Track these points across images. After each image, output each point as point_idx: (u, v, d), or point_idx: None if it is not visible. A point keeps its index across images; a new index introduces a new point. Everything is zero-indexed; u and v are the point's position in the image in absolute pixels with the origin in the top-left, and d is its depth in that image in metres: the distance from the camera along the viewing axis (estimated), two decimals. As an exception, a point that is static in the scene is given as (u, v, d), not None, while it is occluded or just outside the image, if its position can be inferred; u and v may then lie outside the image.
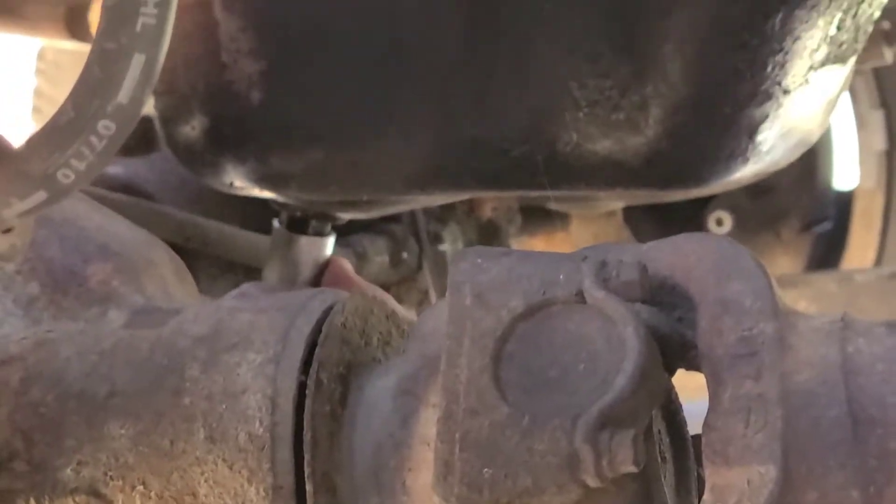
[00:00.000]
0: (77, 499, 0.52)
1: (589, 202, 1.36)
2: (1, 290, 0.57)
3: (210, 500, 0.51)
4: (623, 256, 0.50)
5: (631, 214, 1.69)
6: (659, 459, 0.51)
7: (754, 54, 0.72)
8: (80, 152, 0.45)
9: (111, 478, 0.52)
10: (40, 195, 0.46)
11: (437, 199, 1.07)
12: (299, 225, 0.96)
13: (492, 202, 1.37)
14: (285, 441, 0.50)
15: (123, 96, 0.44)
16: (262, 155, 0.83)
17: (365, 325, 0.55)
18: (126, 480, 0.52)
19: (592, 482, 0.44)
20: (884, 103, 1.66)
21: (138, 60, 0.44)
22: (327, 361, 0.51)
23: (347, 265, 0.99)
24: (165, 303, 0.60)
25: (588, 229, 1.65)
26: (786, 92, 0.75)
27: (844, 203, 1.74)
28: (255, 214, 1.05)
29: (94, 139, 0.45)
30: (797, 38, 0.72)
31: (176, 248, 0.71)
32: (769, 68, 0.73)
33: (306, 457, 0.50)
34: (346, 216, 0.97)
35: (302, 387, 0.50)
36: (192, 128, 0.84)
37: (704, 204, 1.69)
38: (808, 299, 1.49)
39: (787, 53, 0.73)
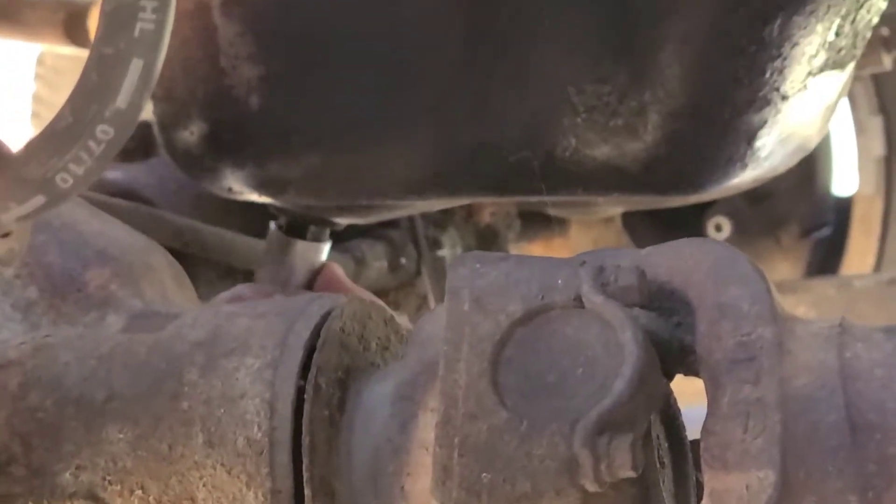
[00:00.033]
0: (75, 503, 0.52)
1: (588, 208, 1.36)
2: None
3: (208, 505, 0.51)
4: (621, 261, 0.50)
5: (630, 220, 1.69)
6: (657, 464, 0.51)
7: (753, 60, 0.72)
8: (78, 157, 0.45)
9: (109, 482, 0.52)
10: (38, 199, 0.46)
11: (436, 205, 1.07)
12: (298, 230, 0.96)
13: (490, 207, 1.37)
14: (284, 446, 0.50)
15: (122, 101, 0.44)
16: (260, 160, 0.83)
17: (363, 330, 0.55)
18: (124, 485, 0.52)
19: (591, 487, 0.44)
20: (883, 109, 1.66)
21: (136, 65, 0.44)
22: (326, 366, 0.51)
23: (340, 271, 0.99)
24: (164, 307, 0.60)
25: (587, 235, 1.65)
26: (784, 98, 0.75)
27: (843, 209, 1.74)
28: (253, 219, 1.04)
29: (92, 144, 0.44)
30: (796, 44, 0.72)
31: (174, 252, 0.71)
32: (768, 74, 0.73)
33: (305, 461, 0.49)
34: (344, 221, 0.97)
35: (300, 391, 0.50)
36: (191, 133, 0.84)
37: (703, 209, 1.69)
38: (808, 305, 1.50)
39: (785, 59, 0.73)
